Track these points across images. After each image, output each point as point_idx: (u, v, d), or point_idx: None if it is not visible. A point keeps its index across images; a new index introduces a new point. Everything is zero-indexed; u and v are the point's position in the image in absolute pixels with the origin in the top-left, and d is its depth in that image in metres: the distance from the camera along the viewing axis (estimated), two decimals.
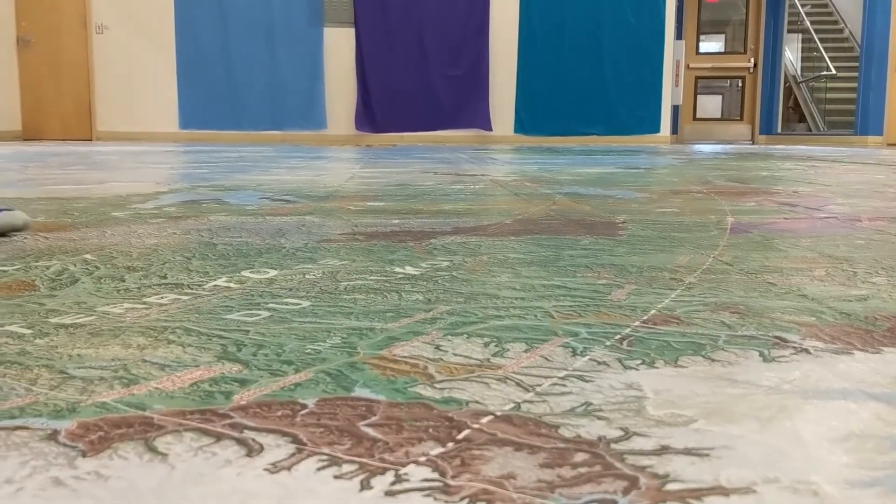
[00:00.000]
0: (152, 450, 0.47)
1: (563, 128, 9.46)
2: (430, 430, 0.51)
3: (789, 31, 11.47)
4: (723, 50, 12.53)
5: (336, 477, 0.44)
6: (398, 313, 0.83)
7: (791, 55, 11.99)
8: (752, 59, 11.46)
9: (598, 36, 9.36)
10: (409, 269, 1.11)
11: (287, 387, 0.59)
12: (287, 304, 0.88)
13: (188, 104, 9.45)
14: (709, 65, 11.71)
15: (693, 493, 0.42)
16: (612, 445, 0.48)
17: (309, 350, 0.69)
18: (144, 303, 0.88)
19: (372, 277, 1.05)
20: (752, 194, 2.47)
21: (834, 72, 10.83)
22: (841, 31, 11.98)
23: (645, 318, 0.82)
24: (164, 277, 1.03)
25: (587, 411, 0.54)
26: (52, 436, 0.49)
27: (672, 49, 9.47)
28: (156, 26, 9.38)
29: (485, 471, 0.45)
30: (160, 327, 0.77)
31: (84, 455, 0.46)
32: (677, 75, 9.75)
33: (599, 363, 0.66)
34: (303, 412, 0.54)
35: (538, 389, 0.59)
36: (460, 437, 0.50)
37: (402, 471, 0.44)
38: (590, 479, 0.44)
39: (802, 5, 11.60)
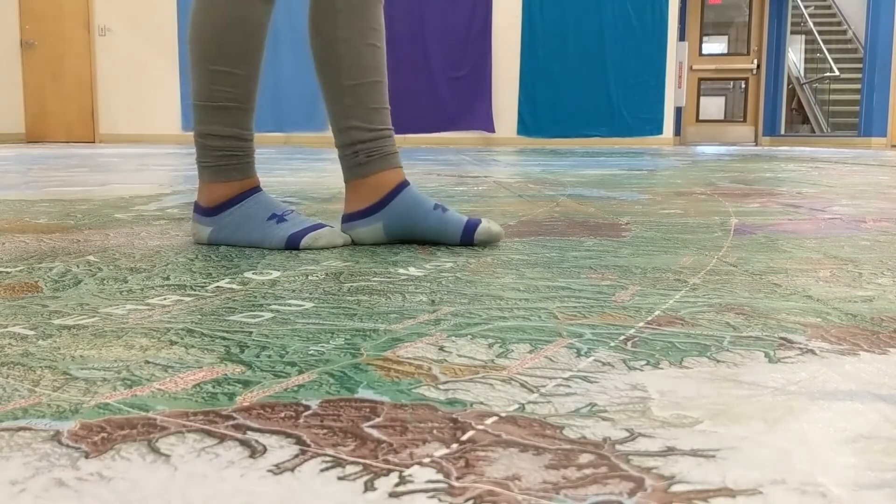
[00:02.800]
0: (155, 451, 0.47)
1: (565, 129, 9.46)
2: (435, 431, 0.50)
3: (792, 33, 11.47)
4: (726, 51, 12.53)
5: (340, 478, 0.43)
6: (402, 315, 0.83)
7: (794, 57, 11.98)
8: (756, 61, 11.46)
9: (600, 37, 9.36)
10: (413, 271, 1.11)
11: (290, 388, 0.59)
12: (290, 305, 0.88)
13: (190, 106, 9.46)
14: (712, 66, 11.71)
15: (699, 495, 0.42)
16: (618, 446, 0.48)
17: (312, 351, 0.69)
18: (147, 304, 0.88)
19: (375, 279, 1.04)
20: (756, 196, 2.46)
21: (837, 73, 10.82)
22: (844, 32, 11.97)
23: (649, 319, 0.82)
24: (167, 279, 1.03)
25: (592, 412, 0.54)
26: (55, 437, 0.49)
27: (675, 50, 9.46)
28: (158, 28, 9.40)
29: (489, 472, 0.44)
30: (163, 328, 0.77)
31: (87, 456, 0.46)
32: (680, 77, 9.75)
33: (604, 364, 0.65)
34: (306, 413, 0.53)
35: (543, 390, 0.59)
36: (465, 438, 0.49)
37: (407, 472, 0.44)
38: (595, 480, 0.43)
39: (805, 7, 11.59)
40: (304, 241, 1.29)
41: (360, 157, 1.37)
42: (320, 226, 1.33)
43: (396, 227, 1.36)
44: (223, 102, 1.31)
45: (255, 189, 1.36)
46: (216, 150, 1.33)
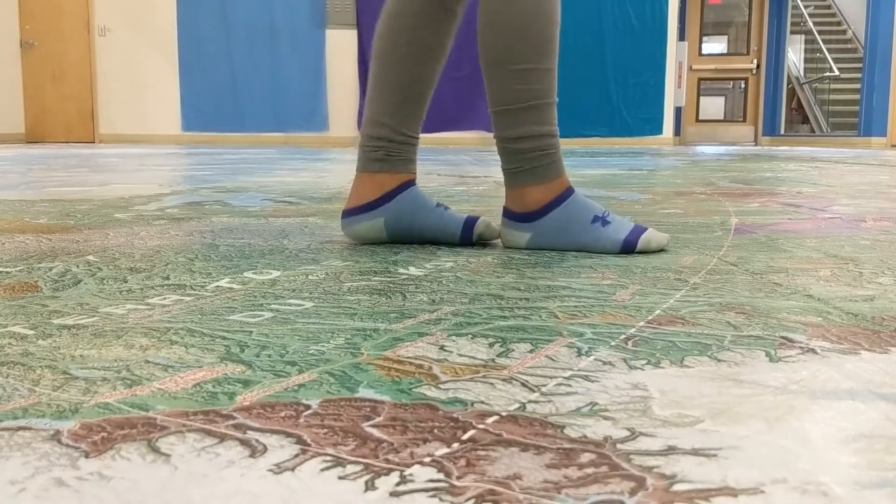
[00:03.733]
0: (155, 450, 0.47)
1: (565, 129, 9.38)
2: (435, 430, 0.50)
3: (792, 33, 11.46)
4: (725, 51, 12.53)
5: (340, 478, 0.43)
6: (402, 314, 0.83)
7: (794, 56, 11.98)
8: (755, 61, 11.46)
9: (600, 37, 9.36)
10: (413, 270, 1.10)
11: (291, 388, 0.59)
12: (290, 304, 0.88)
13: (190, 106, 9.47)
14: (711, 66, 11.71)
15: (701, 494, 0.42)
16: (619, 446, 0.48)
17: (312, 351, 0.69)
18: (147, 304, 0.88)
19: (376, 278, 1.04)
20: (756, 195, 2.46)
21: (837, 73, 10.82)
22: (844, 32, 11.96)
23: (650, 318, 0.82)
24: (167, 278, 1.03)
25: (593, 411, 0.54)
26: (55, 436, 0.49)
27: (675, 50, 9.46)
28: (158, 28, 9.40)
29: (490, 471, 0.44)
30: (163, 328, 0.76)
31: (87, 456, 0.46)
32: (680, 77, 9.75)
33: (605, 363, 0.65)
34: (306, 413, 0.53)
35: (543, 389, 0.58)
36: (465, 437, 0.49)
37: (407, 471, 0.44)
38: (596, 479, 0.43)
39: (805, 6, 11.59)
40: (640, 245, 1.25)
41: (381, 153, 1.35)
42: (644, 228, 1.28)
43: (398, 224, 1.35)
44: (531, 101, 1.27)
45: (570, 189, 1.30)
46: (530, 152, 1.28)
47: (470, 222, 1.34)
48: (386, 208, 1.35)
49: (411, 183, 1.37)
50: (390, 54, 1.35)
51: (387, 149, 1.36)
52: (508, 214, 1.32)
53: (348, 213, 1.37)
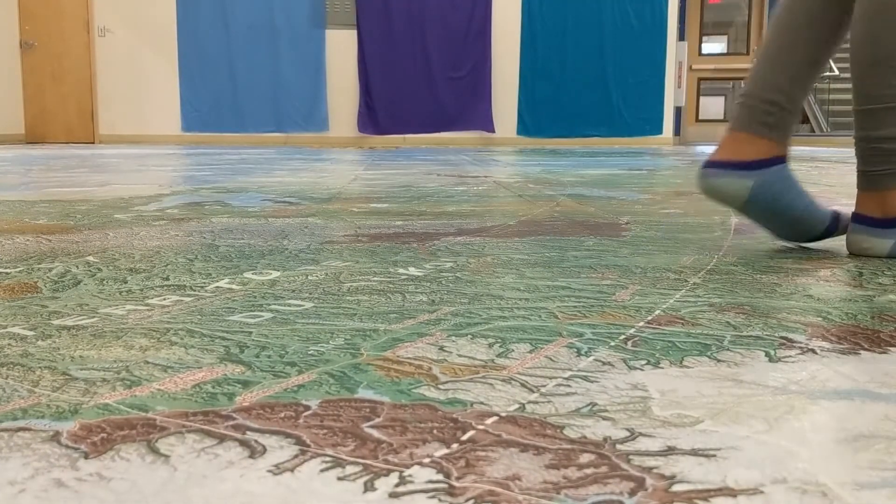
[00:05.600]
0: (155, 451, 0.47)
1: (565, 129, 9.46)
2: (435, 431, 0.50)
3: None
4: (725, 51, 12.53)
5: (340, 478, 0.43)
6: (402, 314, 0.83)
7: None
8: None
9: (600, 37, 9.36)
10: (413, 271, 1.10)
11: (290, 388, 0.59)
12: (290, 305, 0.88)
13: (190, 107, 9.47)
14: (711, 66, 11.71)
15: (700, 494, 0.42)
16: (618, 446, 0.48)
17: (312, 351, 0.69)
18: (147, 304, 0.88)
19: (375, 279, 1.04)
20: None
21: (837, 73, 10.82)
22: None
23: (649, 318, 0.82)
24: (167, 279, 1.03)
25: (592, 412, 0.54)
26: (55, 437, 0.49)
27: (675, 50, 9.46)
28: (158, 29, 9.40)
29: (490, 472, 0.44)
30: (163, 329, 0.76)
31: (86, 457, 0.46)
32: (680, 77, 9.75)
33: (604, 364, 0.65)
34: (306, 413, 0.53)
35: (543, 390, 0.58)
36: (465, 438, 0.49)
37: (407, 472, 0.44)
38: (596, 479, 0.43)
39: None
40: None
41: (773, 118, 1.31)
42: None
43: (764, 193, 1.30)
44: None
45: None
46: None
47: (836, 214, 1.33)
48: (761, 173, 1.29)
49: (785, 160, 1.32)
50: (803, 30, 1.31)
51: (779, 115, 1.31)
52: (865, 220, 1.27)
53: (715, 165, 1.31)
